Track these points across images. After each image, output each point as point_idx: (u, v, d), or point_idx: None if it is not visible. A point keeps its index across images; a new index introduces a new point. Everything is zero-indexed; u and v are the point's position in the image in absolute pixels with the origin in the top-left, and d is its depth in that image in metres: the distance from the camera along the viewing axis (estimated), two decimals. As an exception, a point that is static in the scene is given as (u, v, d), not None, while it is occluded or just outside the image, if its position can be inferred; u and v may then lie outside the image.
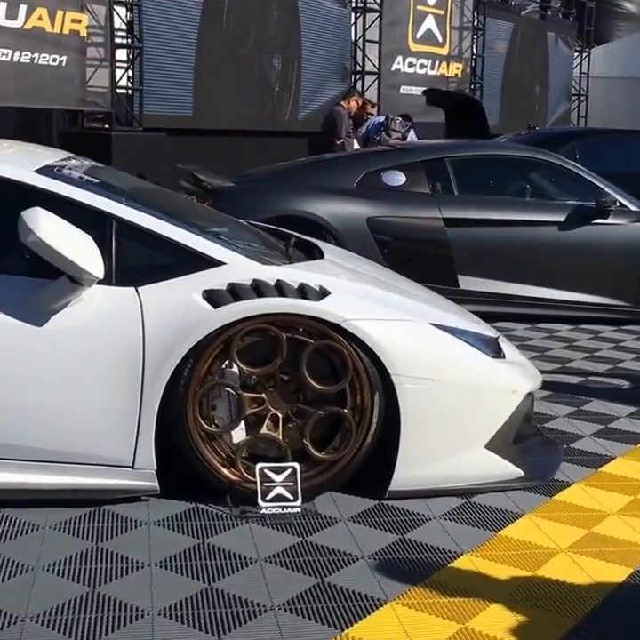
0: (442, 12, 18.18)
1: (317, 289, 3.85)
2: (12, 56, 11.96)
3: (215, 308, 3.72)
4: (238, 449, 3.82)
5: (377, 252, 7.30)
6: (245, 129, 14.01)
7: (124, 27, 13.53)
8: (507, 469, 4.16)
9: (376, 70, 16.42)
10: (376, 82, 16.38)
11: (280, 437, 3.86)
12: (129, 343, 3.68)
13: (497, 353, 4.28)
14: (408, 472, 3.96)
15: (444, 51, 18.32)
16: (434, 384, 3.92)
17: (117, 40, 13.31)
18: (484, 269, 7.55)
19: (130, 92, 13.62)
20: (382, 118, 11.69)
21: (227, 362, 3.78)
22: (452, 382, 3.98)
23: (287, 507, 3.72)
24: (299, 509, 3.74)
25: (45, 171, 4.02)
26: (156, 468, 3.73)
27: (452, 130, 12.21)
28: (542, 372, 4.79)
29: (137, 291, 3.75)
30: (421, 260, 7.45)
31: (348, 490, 3.97)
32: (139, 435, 3.69)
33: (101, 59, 13.11)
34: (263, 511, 3.70)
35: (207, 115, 13.90)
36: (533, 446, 4.48)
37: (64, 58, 12.50)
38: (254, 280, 3.80)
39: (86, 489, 3.73)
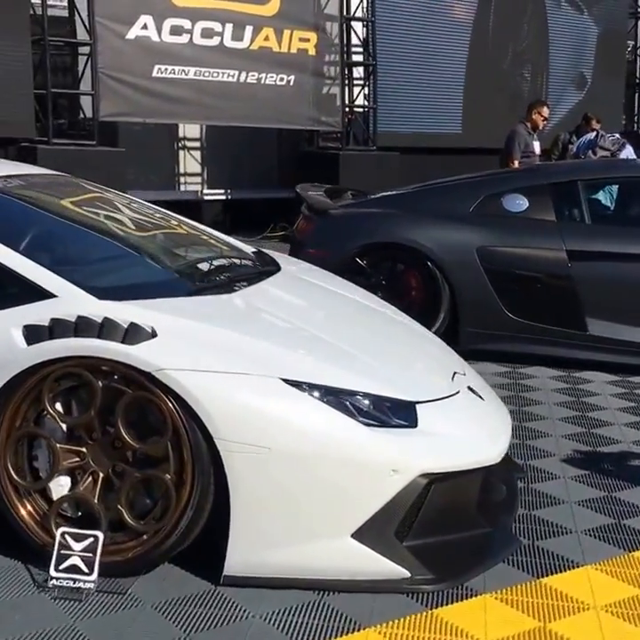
0: None
1: (148, 330, 3.30)
2: (239, 77, 12.12)
3: (28, 345, 3.30)
4: (51, 508, 3.36)
5: (487, 286, 6.45)
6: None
7: (359, 43, 13.28)
8: (384, 567, 3.35)
9: None
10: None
11: (95, 499, 3.34)
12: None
13: (406, 420, 3.48)
14: (244, 556, 3.30)
15: None
16: (272, 454, 3.23)
17: (354, 58, 13.11)
18: (620, 313, 6.40)
19: (365, 111, 13.37)
20: (593, 135, 10.48)
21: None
22: (300, 454, 3.26)
23: (79, 580, 3.21)
24: (92, 585, 3.21)
25: None
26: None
27: None
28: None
29: (-41, 323, 3.41)
30: (541, 298, 6.47)
31: (193, 568, 3.39)
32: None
33: (333, 77, 12.96)
34: (53, 582, 3.21)
35: (475, 133, 13.30)
36: (454, 542, 3.59)
37: (292, 77, 12.51)
38: (79, 317, 3.33)
39: None
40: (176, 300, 3.67)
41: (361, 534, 3.31)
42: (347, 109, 13.08)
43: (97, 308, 3.38)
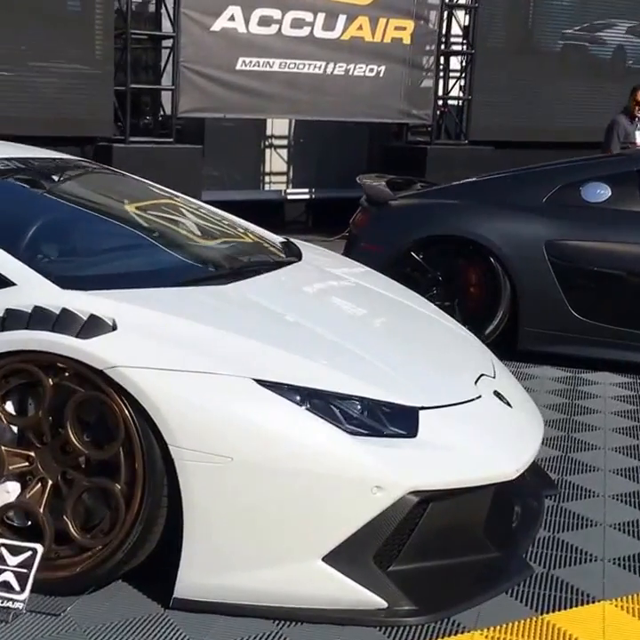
0: None
1: (108, 323, 2.99)
2: (326, 68, 11.78)
3: (-24, 337, 3.04)
4: (-6, 517, 3.09)
5: (553, 283, 5.93)
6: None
7: (458, 32, 12.76)
8: (357, 596, 2.95)
9: None
10: None
11: (41, 508, 3.05)
12: None
13: (404, 428, 3.07)
14: (197, 578, 2.96)
15: None
16: (234, 465, 2.87)
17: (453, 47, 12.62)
18: None
19: (460, 103, 12.85)
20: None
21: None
22: (267, 465, 2.88)
23: (8, 599, 2.91)
24: (21, 605, 2.91)
25: None
26: None
27: None
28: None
29: None
30: (616, 297, 5.91)
31: (148, 589, 3.05)
32: None
33: (428, 67, 12.49)
34: (-19, 600, 2.93)
35: (576, 126, 12.67)
36: (452, 569, 3.17)
37: (383, 68, 12.08)
38: (36, 307, 3.04)
39: None
40: (155, 292, 3.34)
41: (334, 558, 2.92)
42: (440, 102, 12.56)
43: (58, 299, 3.08)
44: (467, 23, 12.65)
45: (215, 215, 4.60)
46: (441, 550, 3.18)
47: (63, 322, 2.97)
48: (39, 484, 3.07)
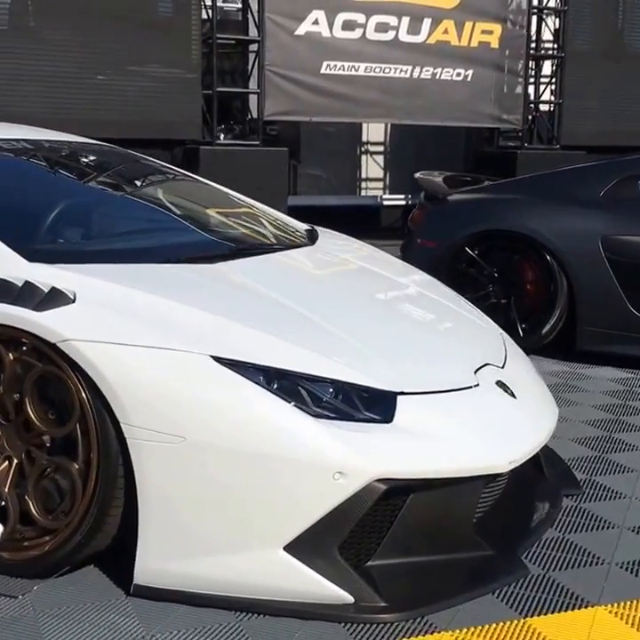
0: None
1: (69, 297, 2.90)
2: (412, 72, 11.65)
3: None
4: (-41, 494, 3.03)
5: (611, 279, 5.62)
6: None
7: (549, 35, 12.46)
8: (322, 589, 2.77)
9: None
10: None
11: (6, 486, 2.97)
12: None
13: (379, 414, 2.89)
14: (155, 565, 2.82)
15: None
16: (186, 446, 2.73)
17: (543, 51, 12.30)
18: None
19: (551, 107, 12.51)
20: None
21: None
22: (221, 446, 2.73)
23: (-36, 578, 2.85)
24: (-23, 584, 2.84)
25: None
26: None
27: None
28: None
29: None
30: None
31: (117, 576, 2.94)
32: None
33: (517, 72, 12.21)
34: (-64, 578, 2.87)
35: None
36: (435, 566, 2.96)
37: (470, 72, 11.87)
38: (0, 279, 2.98)
39: None
40: (130, 267, 3.24)
41: (296, 548, 2.75)
42: (531, 106, 12.24)
43: (23, 271, 3.01)
44: (557, 26, 12.32)
45: (232, 198, 4.49)
46: (426, 546, 2.98)
47: (23, 294, 2.90)
48: (5, 463, 2.99)
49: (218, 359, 2.78)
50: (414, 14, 11.49)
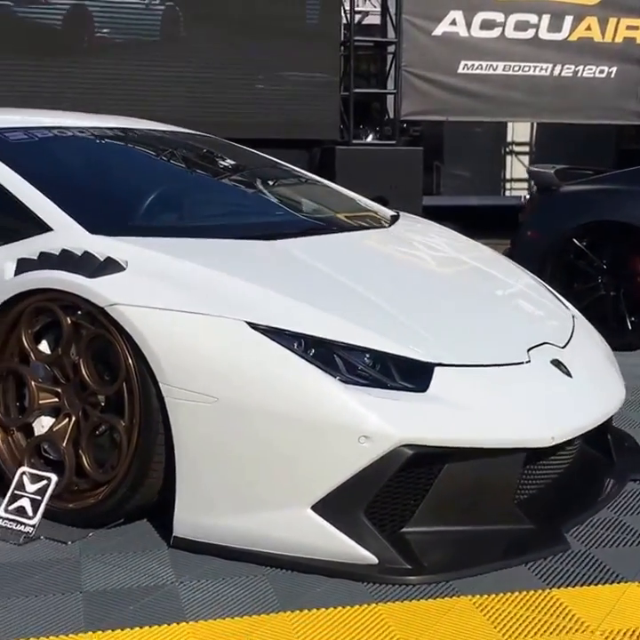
0: None
1: (121, 265, 3.09)
2: (552, 70, 11.52)
3: (13, 277, 3.24)
4: (26, 447, 3.26)
5: None
6: None
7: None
8: (347, 549, 2.84)
9: None
10: None
11: (64, 442, 3.18)
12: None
13: (413, 383, 2.95)
14: (191, 519, 2.97)
15: None
16: (220, 405, 2.87)
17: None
18: None
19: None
20: None
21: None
22: (252, 408, 2.85)
23: (21, 523, 3.06)
24: (30, 530, 3.05)
25: None
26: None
27: None
28: None
29: (-27, 256, 3.43)
30: None
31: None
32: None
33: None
34: (-1, 522, 3.10)
35: None
36: (469, 535, 2.99)
37: (614, 69, 11.64)
38: (63, 250, 3.20)
39: None
40: (184, 241, 3.40)
41: (323, 508, 2.84)
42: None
43: (85, 243, 3.21)
44: None
45: (311, 180, 4.61)
46: (462, 516, 3.01)
47: (81, 263, 3.10)
48: (66, 419, 3.20)
49: (253, 325, 2.90)
50: (555, 12, 11.35)
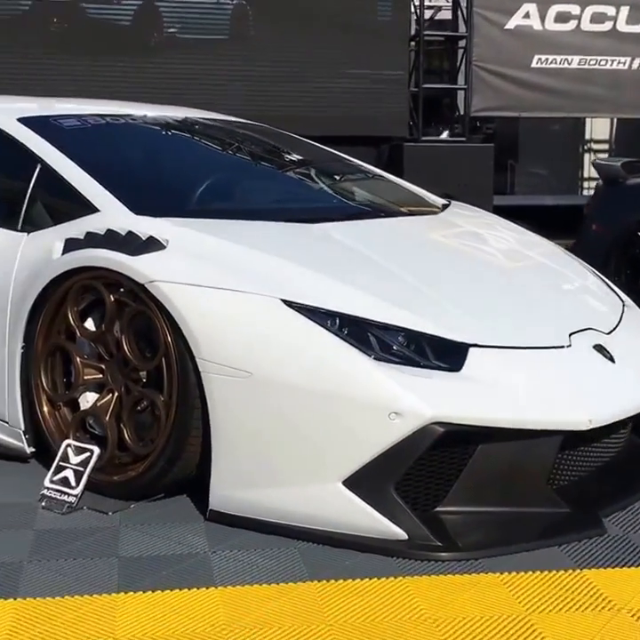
0: None
1: (162, 244, 3.17)
2: (631, 64, 11.33)
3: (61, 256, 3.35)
4: (72, 421, 3.36)
5: None
6: None
7: None
8: (377, 524, 2.87)
9: None
10: None
11: (107, 416, 3.27)
12: (3, 290, 3.51)
13: (447, 362, 2.96)
14: (226, 492, 3.02)
15: None
16: (253, 380, 2.92)
17: None
18: None
19: None
20: None
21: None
22: (284, 383, 2.90)
23: (64, 493, 3.16)
24: (73, 499, 3.14)
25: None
26: (23, 427, 3.46)
27: None
28: None
29: (27, 236, 3.55)
30: None
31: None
32: (8, 386, 3.48)
33: None
34: (44, 491, 3.20)
35: None
36: (503, 516, 3.00)
37: (697, 62, 11.38)
38: (108, 230, 3.29)
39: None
40: (225, 222, 3.46)
41: (354, 483, 2.87)
42: None
43: (129, 222, 3.30)
44: None
45: (362, 168, 4.64)
46: (496, 497, 3.01)
47: (124, 242, 3.18)
48: (109, 395, 3.28)
49: (288, 303, 2.95)
50: (634, 3, 11.14)
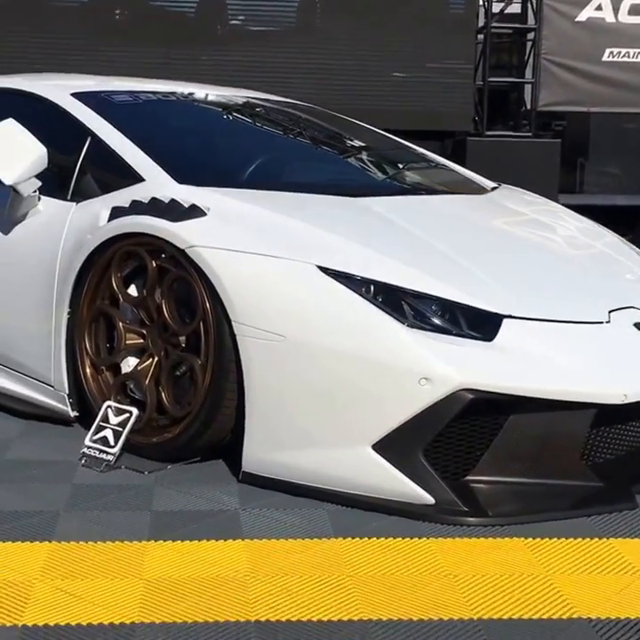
0: None
1: (203, 211, 3.24)
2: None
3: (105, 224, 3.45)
4: (113, 384, 3.45)
5: None
6: None
7: None
8: (405, 488, 2.89)
9: None
10: None
11: (146, 380, 3.35)
12: (51, 257, 3.61)
13: (479, 332, 2.98)
14: (259, 454, 3.08)
15: None
16: (287, 343, 2.97)
17: None
18: None
19: None
20: None
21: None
22: (317, 346, 2.94)
23: (104, 451, 3.25)
24: (111, 458, 3.23)
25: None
26: (67, 391, 3.57)
27: None
28: None
29: (75, 206, 3.65)
30: None
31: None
32: (54, 351, 3.59)
33: None
34: (84, 450, 3.29)
35: None
36: (535, 487, 2.99)
37: None
38: (152, 198, 3.37)
39: (13, 397, 3.75)
40: (268, 193, 3.52)
41: (383, 447, 2.90)
42: None
43: (172, 191, 3.38)
44: None
45: (413, 150, 4.67)
46: (526, 469, 3.00)
47: (167, 209, 3.26)
48: (149, 359, 3.36)
49: (323, 269, 3.00)
50: None
